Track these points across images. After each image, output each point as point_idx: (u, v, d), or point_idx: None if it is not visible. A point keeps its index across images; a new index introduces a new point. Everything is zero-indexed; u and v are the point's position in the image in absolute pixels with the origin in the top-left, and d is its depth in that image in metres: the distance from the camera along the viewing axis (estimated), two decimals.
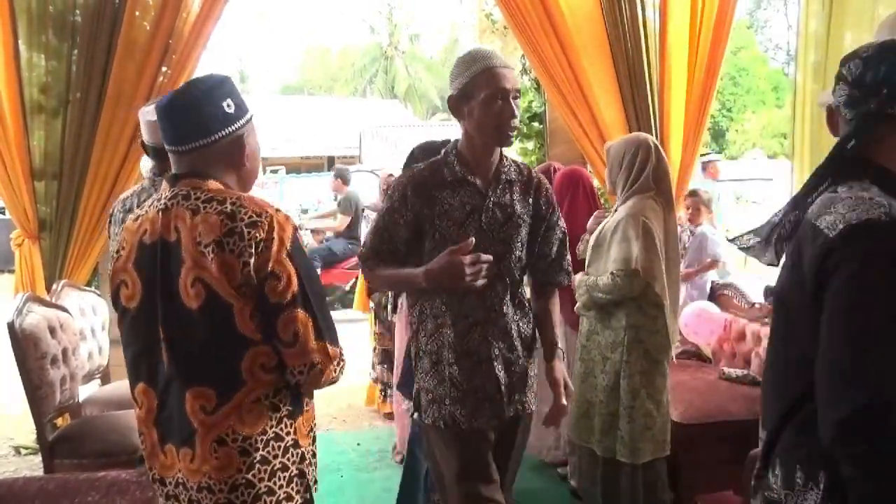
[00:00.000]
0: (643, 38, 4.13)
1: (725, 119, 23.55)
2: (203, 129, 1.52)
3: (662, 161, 2.78)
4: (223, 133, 1.54)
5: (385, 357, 4.29)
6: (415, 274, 1.98)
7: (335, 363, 1.54)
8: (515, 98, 1.95)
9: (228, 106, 1.54)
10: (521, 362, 2.07)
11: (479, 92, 1.91)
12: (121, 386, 3.39)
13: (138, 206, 2.63)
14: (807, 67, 4.01)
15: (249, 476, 1.50)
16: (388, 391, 4.31)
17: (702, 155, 6.54)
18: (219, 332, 1.46)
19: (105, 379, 3.64)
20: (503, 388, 2.02)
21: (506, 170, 2.06)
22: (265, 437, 1.51)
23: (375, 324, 4.40)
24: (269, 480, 1.52)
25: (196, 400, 1.48)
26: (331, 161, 23.32)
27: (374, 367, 4.54)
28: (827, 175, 1.31)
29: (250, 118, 1.61)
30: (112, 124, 3.81)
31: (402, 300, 3.20)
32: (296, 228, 1.54)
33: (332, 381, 1.56)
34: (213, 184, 1.54)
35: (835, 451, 1.13)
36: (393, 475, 3.72)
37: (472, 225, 1.99)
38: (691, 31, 4.08)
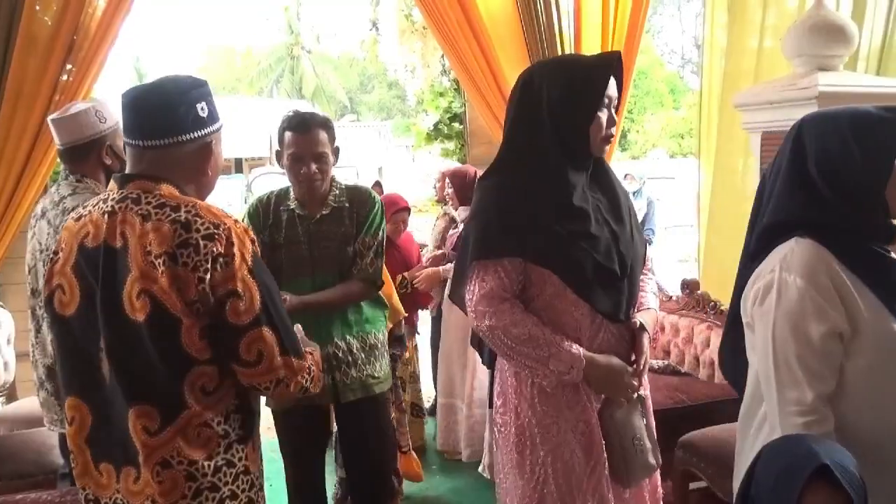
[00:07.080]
0: (559, 41, 4.24)
1: (627, 120, 24.55)
2: (173, 128, 1.45)
3: None
4: (193, 135, 1.47)
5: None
6: None
7: (300, 376, 1.48)
8: None
9: (202, 110, 1.48)
10: None
11: None
12: (29, 403, 3.18)
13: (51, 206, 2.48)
14: (712, 75, 4.36)
15: (196, 503, 1.43)
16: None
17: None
18: (162, 348, 1.38)
19: (10, 397, 3.42)
20: None
21: None
22: (213, 463, 1.44)
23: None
24: None
25: (139, 420, 1.39)
26: (238, 163, 22.68)
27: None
28: None
29: (220, 127, 1.54)
30: (12, 126, 3.56)
31: None
32: (254, 241, 1.47)
33: (304, 391, 1.51)
34: (167, 188, 1.45)
35: None
36: None
37: None
38: (604, 36, 4.22)
